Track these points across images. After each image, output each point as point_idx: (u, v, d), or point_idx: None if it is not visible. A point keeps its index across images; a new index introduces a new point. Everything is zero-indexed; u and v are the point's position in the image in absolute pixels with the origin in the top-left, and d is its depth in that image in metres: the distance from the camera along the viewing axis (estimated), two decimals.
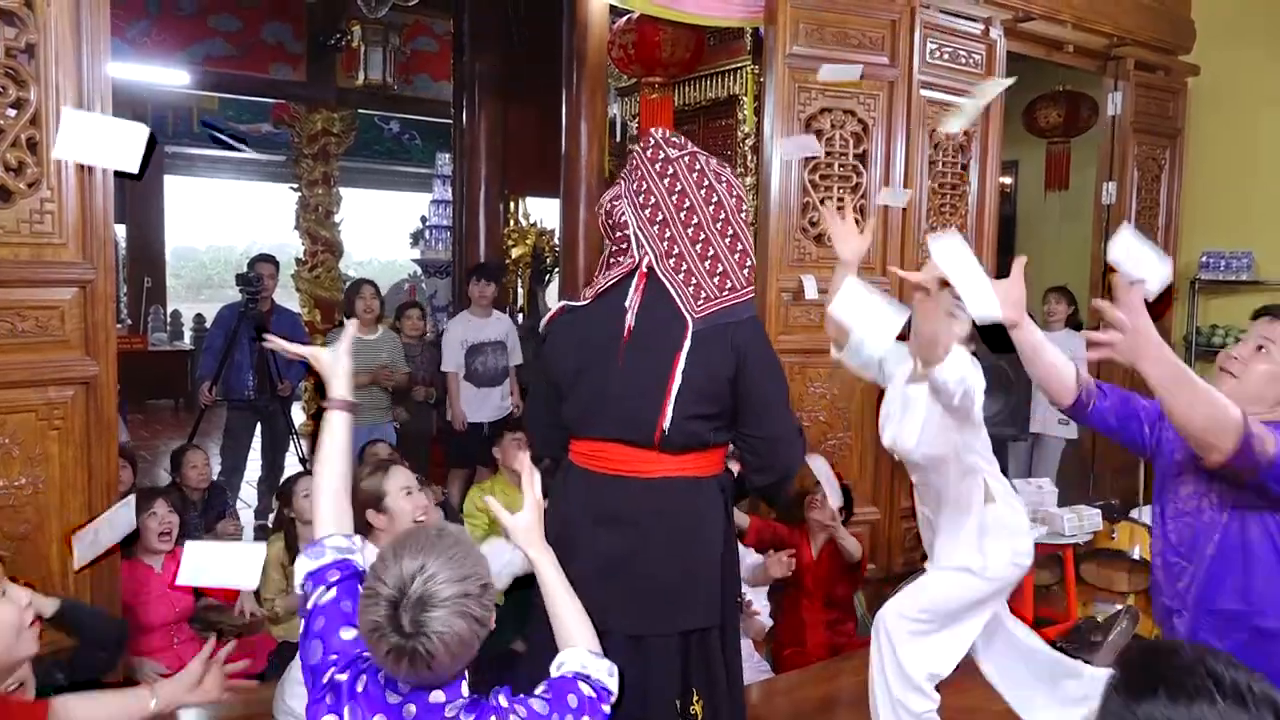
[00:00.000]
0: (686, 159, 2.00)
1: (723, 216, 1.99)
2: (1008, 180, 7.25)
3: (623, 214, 2.04)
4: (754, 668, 3.50)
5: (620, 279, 2.03)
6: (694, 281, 1.96)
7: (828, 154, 4.02)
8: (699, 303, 1.96)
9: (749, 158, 5.07)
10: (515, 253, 7.92)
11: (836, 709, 3.17)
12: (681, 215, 1.98)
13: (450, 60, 7.86)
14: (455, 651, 1.39)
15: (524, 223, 8.24)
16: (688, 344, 1.93)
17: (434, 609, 1.36)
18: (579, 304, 2.10)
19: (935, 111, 4.25)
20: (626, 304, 2.00)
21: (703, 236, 1.97)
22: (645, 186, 2.01)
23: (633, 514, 1.99)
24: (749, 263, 2.02)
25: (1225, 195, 5.55)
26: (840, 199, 4.02)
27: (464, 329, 5.16)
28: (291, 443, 5.45)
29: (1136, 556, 4.01)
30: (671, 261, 1.97)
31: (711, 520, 2.02)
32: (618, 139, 6.17)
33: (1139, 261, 1.89)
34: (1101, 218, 5.32)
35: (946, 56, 4.28)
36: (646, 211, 2.00)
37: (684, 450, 1.99)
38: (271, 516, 5.34)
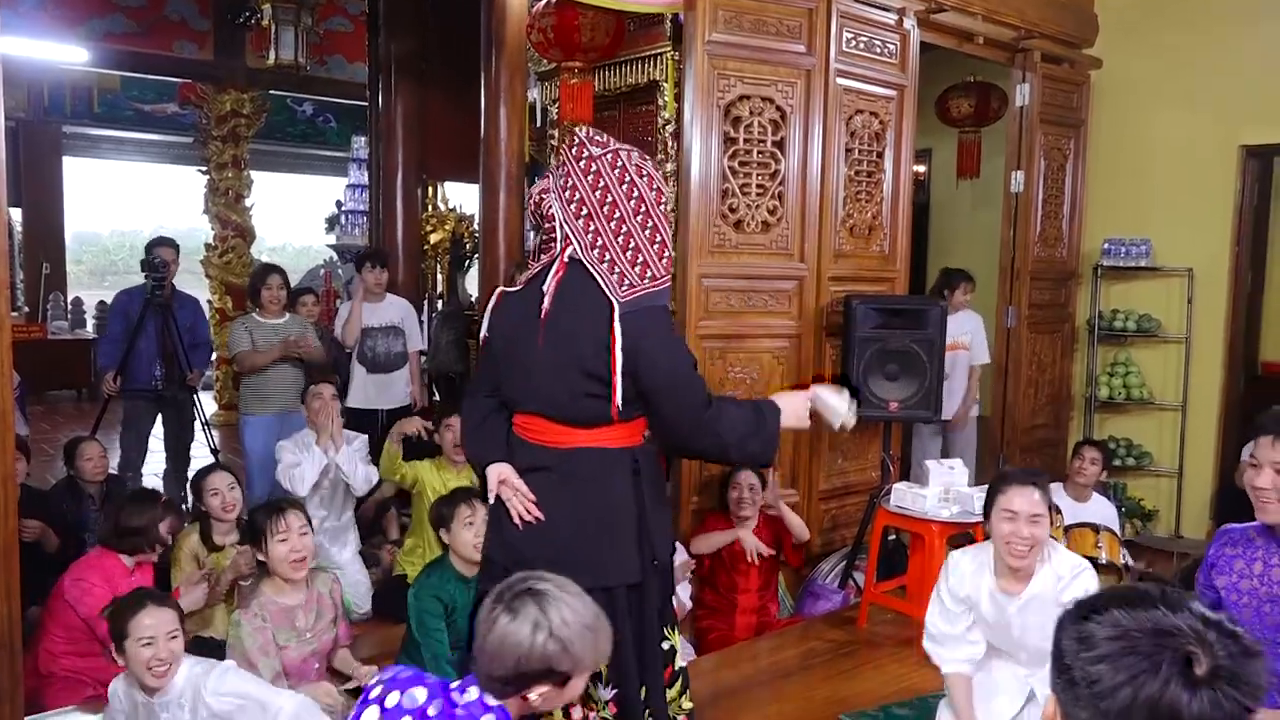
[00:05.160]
0: (609, 156, 2.15)
1: (643, 210, 2.14)
2: (921, 168, 7.41)
3: (550, 206, 2.20)
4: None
5: (545, 266, 2.19)
6: (617, 270, 2.12)
7: (746, 141, 4.05)
8: (623, 288, 2.10)
9: (669, 144, 5.08)
10: (434, 238, 7.80)
11: (757, 689, 3.22)
12: (604, 210, 2.13)
13: (365, 41, 7.69)
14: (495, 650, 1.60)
15: (443, 208, 8.12)
16: (619, 325, 2.07)
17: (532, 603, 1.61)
18: (513, 289, 2.28)
19: (851, 100, 4.32)
20: (544, 289, 2.14)
21: (625, 229, 2.13)
22: (571, 183, 2.16)
23: (553, 468, 2.18)
24: (667, 253, 2.19)
25: (1125, 184, 5.77)
26: (761, 186, 4.07)
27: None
28: (204, 433, 5.28)
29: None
30: (595, 252, 2.12)
31: (619, 488, 2.17)
32: (538, 124, 6.11)
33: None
34: (1011, 206, 5.48)
35: (862, 46, 4.35)
36: (572, 206, 2.15)
37: (593, 425, 2.14)
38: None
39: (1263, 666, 0.97)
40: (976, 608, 2.64)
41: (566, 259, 2.14)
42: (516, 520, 2.18)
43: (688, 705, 2.34)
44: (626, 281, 2.11)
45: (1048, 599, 2.50)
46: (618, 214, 2.12)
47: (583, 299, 2.10)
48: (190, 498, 3.92)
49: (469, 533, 3.07)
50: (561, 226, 2.16)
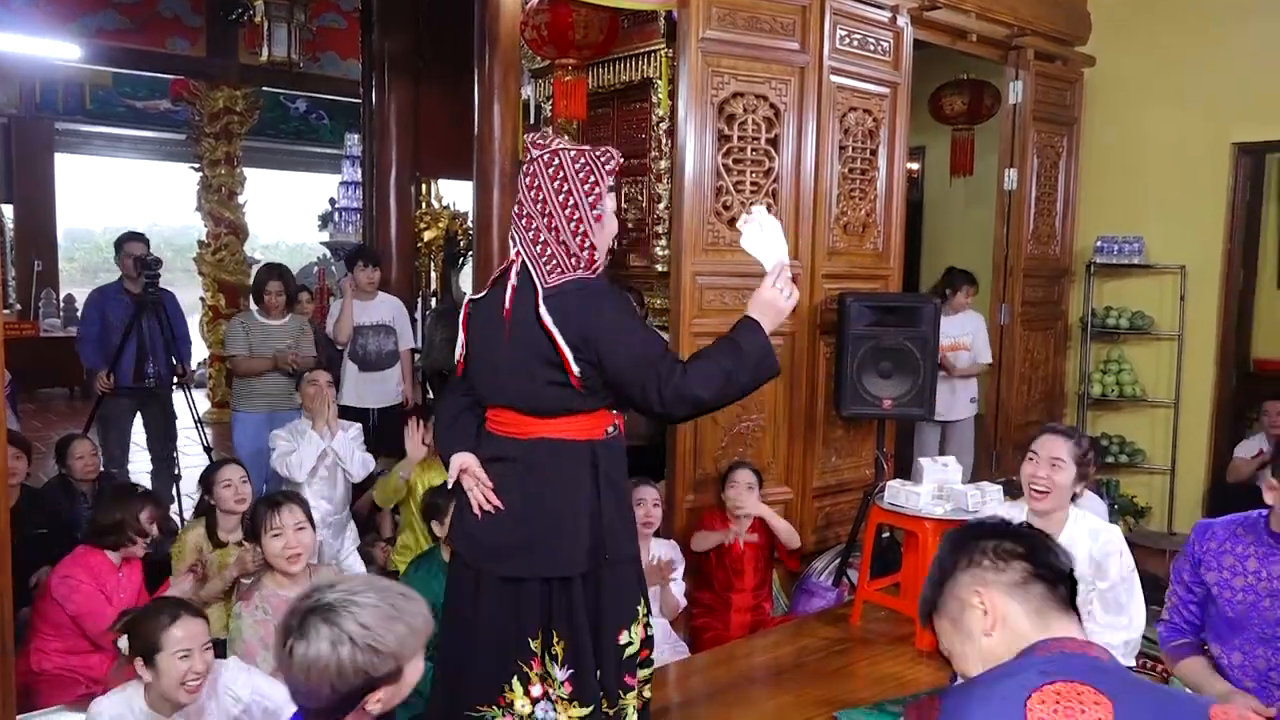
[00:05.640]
0: (546, 157, 2.23)
1: (571, 203, 2.21)
2: (915, 166, 7.42)
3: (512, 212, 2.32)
4: (671, 647, 3.55)
5: (504, 269, 2.30)
6: (552, 262, 2.20)
7: (740, 138, 4.05)
8: (552, 275, 2.19)
9: (663, 141, 5.08)
10: (427, 236, 7.80)
11: (751, 687, 3.22)
12: (537, 206, 2.22)
13: (359, 38, 7.68)
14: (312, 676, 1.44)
15: (436, 205, 8.11)
16: (544, 307, 2.14)
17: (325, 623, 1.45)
18: (478, 296, 2.38)
19: (845, 97, 4.33)
20: (507, 290, 2.24)
21: (554, 225, 2.21)
22: (517, 185, 2.27)
23: (516, 458, 2.25)
24: (588, 244, 2.23)
25: (1118, 182, 5.77)
26: (755, 183, 4.07)
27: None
28: (197, 430, 5.27)
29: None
30: (537, 248, 2.21)
31: (576, 479, 2.22)
32: (532, 121, 6.10)
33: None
34: (1004, 203, 5.49)
35: (856, 43, 4.35)
36: (515, 208, 2.27)
37: (555, 415, 2.20)
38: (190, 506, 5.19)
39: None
40: None
41: (515, 256, 2.25)
42: (476, 510, 2.24)
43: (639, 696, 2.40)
44: (557, 269, 2.20)
45: (1081, 552, 2.68)
46: (548, 210, 2.20)
47: (532, 294, 2.19)
48: (198, 493, 3.91)
49: None
50: (511, 230, 2.28)
